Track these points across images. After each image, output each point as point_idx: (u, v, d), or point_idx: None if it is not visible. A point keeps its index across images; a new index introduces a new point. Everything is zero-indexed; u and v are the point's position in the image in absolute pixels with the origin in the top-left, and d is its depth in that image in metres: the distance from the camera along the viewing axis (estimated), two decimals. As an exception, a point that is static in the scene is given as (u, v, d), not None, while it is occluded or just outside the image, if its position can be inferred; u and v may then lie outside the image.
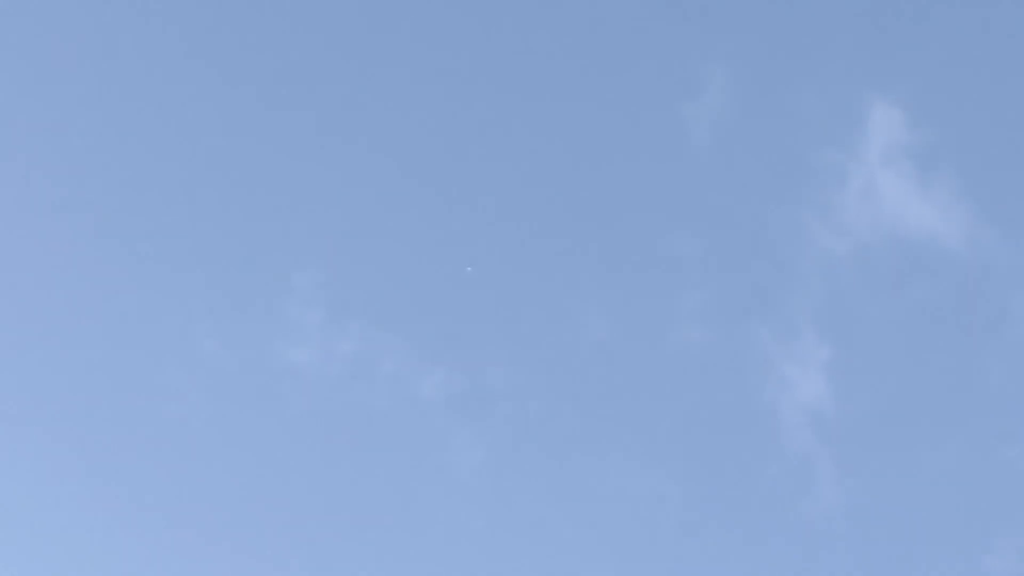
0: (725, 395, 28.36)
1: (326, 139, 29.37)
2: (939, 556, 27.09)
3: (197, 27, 29.93)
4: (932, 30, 30.21)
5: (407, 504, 26.88)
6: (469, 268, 27.76)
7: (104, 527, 26.81)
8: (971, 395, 28.27)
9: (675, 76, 30.10)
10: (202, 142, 29.24)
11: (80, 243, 28.67)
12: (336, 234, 28.65)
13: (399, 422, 27.35)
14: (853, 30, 30.26)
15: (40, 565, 26.36)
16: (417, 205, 29.07)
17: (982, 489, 27.55)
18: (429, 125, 29.59)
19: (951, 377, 28.42)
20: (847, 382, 28.48)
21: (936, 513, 27.45)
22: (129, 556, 26.50)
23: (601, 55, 30.24)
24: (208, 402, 27.41)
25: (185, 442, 27.18)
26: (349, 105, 29.61)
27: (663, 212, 29.47)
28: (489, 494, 26.94)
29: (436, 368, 27.74)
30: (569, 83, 30.09)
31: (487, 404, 27.59)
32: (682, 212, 29.48)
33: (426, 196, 29.16)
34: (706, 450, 28.01)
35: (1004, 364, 28.28)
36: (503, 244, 28.93)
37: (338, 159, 29.30)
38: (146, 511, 26.80)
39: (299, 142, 29.35)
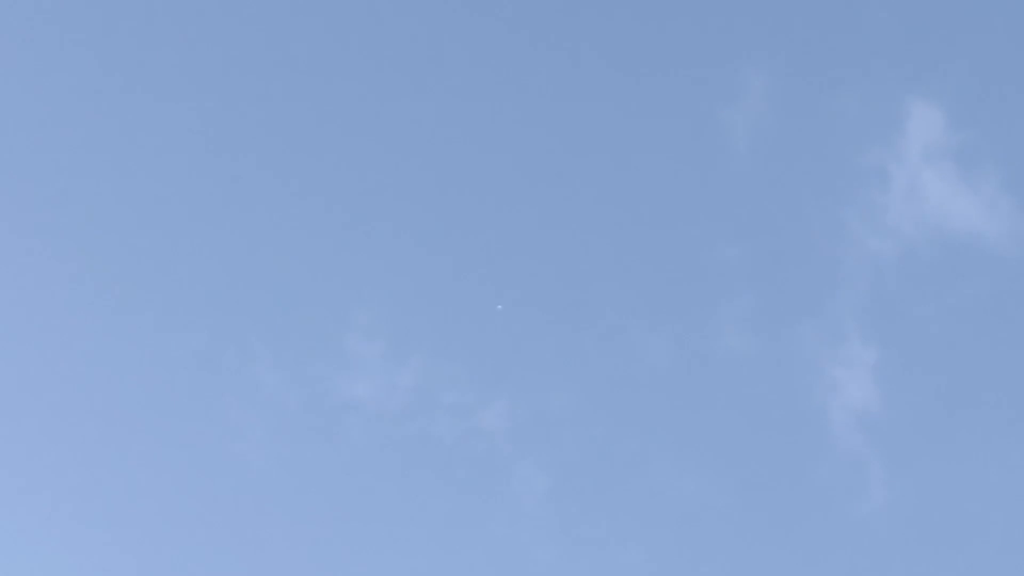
0: (774, 400, 29.10)
1: (384, 175, 30.09)
2: (991, 557, 27.90)
3: (258, 61, 30.54)
4: (969, 29, 30.42)
5: (473, 535, 27.87)
6: (500, 307, 28.43)
7: (168, 559, 27.80)
8: (1020, 394, 28.87)
9: (714, 81, 30.51)
10: (262, 178, 30.03)
11: (143, 280, 29.55)
12: (394, 268, 29.46)
13: (462, 453, 28.27)
14: (890, 31, 30.54)
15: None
16: (472, 236, 29.80)
17: (1030, 490, 28.25)
18: (477, 154, 30.24)
19: (999, 376, 29.01)
20: (895, 383, 29.12)
21: (987, 514, 28.19)
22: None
23: (639, 62, 30.64)
24: (271, 438, 28.37)
25: (248, 478, 28.17)
26: (407, 139, 30.29)
27: (706, 219, 30.05)
28: (554, 523, 27.89)
29: (497, 398, 28.60)
30: (608, 91, 30.54)
31: (550, 432, 28.44)
32: (725, 218, 30.05)
33: (480, 227, 29.86)
34: (759, 456, 28.82)
35: (1049, 363, 28.84)
36: (556, 267, 29.63)
37: (396, 194, 30.05)
38: (210, 547, 27.82)
39: (357, 178, 30.09)
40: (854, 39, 30.52)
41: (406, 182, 30.01)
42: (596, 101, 30.50)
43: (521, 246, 29.69)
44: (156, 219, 29.69)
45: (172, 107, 30.19)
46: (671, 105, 30.48)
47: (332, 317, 29.01)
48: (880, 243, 29.74)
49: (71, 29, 30.56)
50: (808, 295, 29.62)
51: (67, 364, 28.86)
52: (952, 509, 28.26)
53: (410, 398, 28.51)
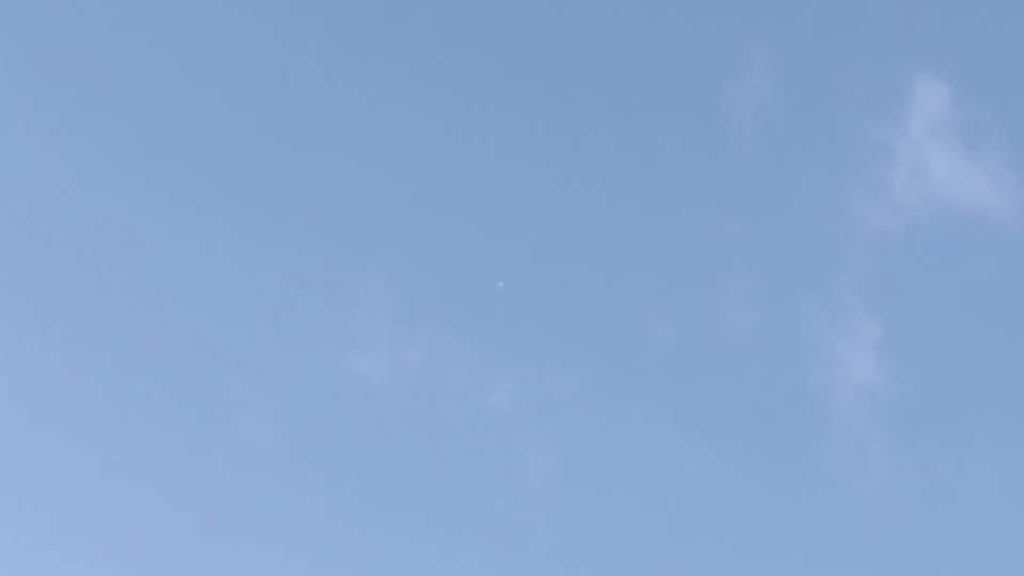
0: (779, 377, 29.23)
1: (390, 153, 30.25)
2: (994, 534, 28.05)
3: (276, 55, 30.67)
4: (974, 3, 30.38)
5: (477, 513, 28.10)
6: (501, 283, 28.58)
7: (175, 539, 28.07)
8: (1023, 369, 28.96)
9: (718, 59, 30.56)
10: (267, 158, 30.21)
11: (149, 261, 29.74)
12: (400, 246, 29.63)
13: (468, 431, 28.50)
14: (894, 6, 30.52)
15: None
16: (477, 215, 29.95)
17: (1032, 466, 28.36)
18: (481, 133, 30.36)
19: (1003, 352, 29.10)
20: (899, 360, 29.27)
21: (990, 490, 28.34)
22: (198, 568, 27.83)
23: (643, 41, 30.69)
24: (277, 414, 28.61)
25: (255, 456, 28.41)
26: (411, 117, 30.40)
27: (710, 197, 30.13)
28: (558, 501, 28.12)
29: (504, 376, 28.79)
30: (611, 70, 30.61)
31: (555, 411, 28.61)
32: (729, 196, 30.13)
33: (485, 206, 30.02)
34: (763, 432, 28.98)
35: (1052, 339, 28.91)
36: (560, 246, 29.81)
37: (401, 172, 30.18)
38: (216, 526, 28.13)
39: (363, 156, 30.23)
40: (858, 15, 30.57)
41: (411, 160, 30.23)
42: (600, 80, 30.62)
43: (526, 225, 29.90)
44: (162, 201, 30.05)
45: (176, 99, 30.54)
46: (674, 82, 30.59)
47: (338, 295, 29.28)
48: (885, 219, 29.84)
49: (70, 29, 30.81)
50: (813, 272, 29.76)
51: (69, 351, 29.26)
52: (955, 485, 28.44)
53: (416, 376, 28.80)
